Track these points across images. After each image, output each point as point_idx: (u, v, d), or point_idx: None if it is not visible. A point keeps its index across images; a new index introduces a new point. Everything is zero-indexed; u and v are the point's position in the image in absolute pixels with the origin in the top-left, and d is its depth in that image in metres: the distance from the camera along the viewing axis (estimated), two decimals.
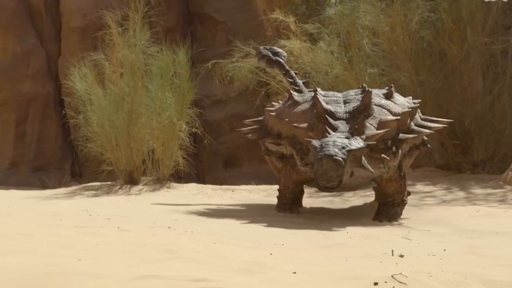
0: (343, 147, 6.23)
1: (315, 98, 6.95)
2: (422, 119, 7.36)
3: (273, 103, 8.08)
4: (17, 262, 3.86)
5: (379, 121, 6.73)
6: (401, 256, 4.69)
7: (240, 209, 7.90)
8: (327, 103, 6.90)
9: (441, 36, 10.38)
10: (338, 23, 10.62)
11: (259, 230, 6.04)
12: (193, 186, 10.18)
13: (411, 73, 10.33)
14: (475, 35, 10.31)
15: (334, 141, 6.28)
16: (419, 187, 9.25)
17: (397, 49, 10.42)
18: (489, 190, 8.79)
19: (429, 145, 7.59)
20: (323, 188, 6.35)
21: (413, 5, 10.26)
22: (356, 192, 8.64)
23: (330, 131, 6.53)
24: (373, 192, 8.15)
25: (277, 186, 7.68)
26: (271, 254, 4.51)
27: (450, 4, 10.29)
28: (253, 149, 11.91)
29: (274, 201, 7.70)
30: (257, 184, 10.47)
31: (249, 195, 9.29)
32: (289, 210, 7.35)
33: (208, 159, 13.70)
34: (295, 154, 6.95)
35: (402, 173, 6.94)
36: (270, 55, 8.51)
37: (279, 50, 8.66)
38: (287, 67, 8.35)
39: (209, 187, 10.15)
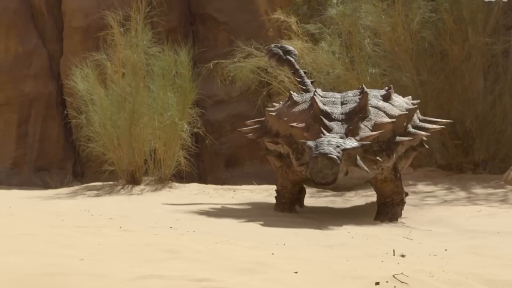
0: (338, 146, 6.32)
1: (312, 99, 7.01)
2: (420, 120, 7.37)
3: (274, 103, 8.13)
4: (19, 262, 3.87)
5: (374, 123, 6.79)
6: (403, 256, 4.70)
7: (242, 209, 7.91)
8: (324, 104, 6.95)
9: (442, 36, 10.39)
10: (339, 23, 10.62)
11: (260, 230, 6.05)
12: (194, 186, 10.19)
13: (413, 73, 10.33)
14: (476, 35, 10.32)
15: (329, 141, 6.37)
16: (420, 187, 9.25)
17: (399, 49, 10.43)
18: (490, 190, 8.80)
19: (427, 146, 7.61)
20: (318, 184, 6.43)
21: (415, 6, 10.26)
22: (358, 192, 8.66)
23: (324, 132, 6.59)
24: (375, 192, 8.15)
25: None
26: (272, 254, 4.52)
27: (451, 5, 10.29)
28: (255, 149, 11.91)
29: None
30: (258, 184, 10.48)
31: (251, 195, 9.30)
32: (287, 210, 7.39)
33: (209, 159, 13.70)
34: (291, 153, 7.03)
35: (398, 174, 6.98)
36: (281, 53, 8.53)
37: (290, 48, 8.68)
38: (297, 66, 8.37)
39: (210, 187, 10.16)
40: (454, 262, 4.52)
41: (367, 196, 8.58)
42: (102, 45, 10.87)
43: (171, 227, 5.86)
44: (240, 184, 10.67)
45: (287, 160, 7.21)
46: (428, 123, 7.42)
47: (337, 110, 6.90)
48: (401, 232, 6.06)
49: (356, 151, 6.42)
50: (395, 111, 6.98)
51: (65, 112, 12.88)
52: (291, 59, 8.42)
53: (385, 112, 6.92)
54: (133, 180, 10.20)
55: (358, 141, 6.50)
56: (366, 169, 6.51)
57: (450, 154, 10.44)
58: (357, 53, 10.58)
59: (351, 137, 6.51)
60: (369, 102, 6.91)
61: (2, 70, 13.29)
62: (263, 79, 11.28)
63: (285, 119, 7.15)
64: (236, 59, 11.27)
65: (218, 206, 8.05)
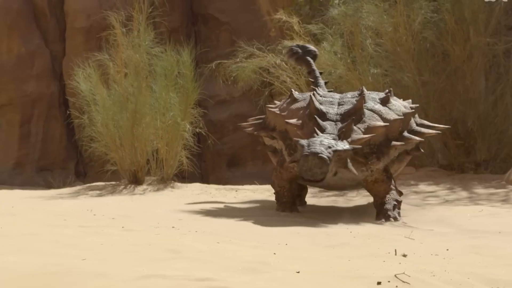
0: (330, 147, 6.43)
1: (309, 98, 7.09)
2: (417, 124, 7.39)
3: (276, 102, 8.23)
4: (22, 261, 3.88)
5: (367, 126, 6.87)
6: (404, 255, 4.70)
7: (244, 208, 7.92)
8: (321, 103, 7.03)
9: (444, 37, 10.39)
10: (341, 23, 10.63)
11: (262, 229, 6.06)
12: (197, 186, 10.20)
13: (414, 73, 10.34)
14: (478, 36, 10.31)
15: (321, 141, 6.49)
16: (422, 187, 9.26)
17: (400, 50, 10.43)
18: (492, 190, 8.80)
19: (422, 150, 7.62)
20: (306, 181, 6.55)
21: (416, 6, 10.26)
22: (359, 191, 8.66)
23: (318, 131, 6.67)
24: None
25: None
26: (274, 253, 4.53)
27: (453, 5, 10.29)
28: (257, 149, 11.93)
29: None
30: (260, 184, 10.48)
31: (253, 194, 9.31)
32: (289, 210, 7.42)
33: (212, 159, 13.71)
34: (284, 149, 7.15)
35: (389, 174, 7.02)
36: (300, 53, 8.60)
37: (311, 48, 8.76)
38: (313, 67, 8.44)
39: (213, 187, 10.17)
40: (455, 261, 4.53)
41: (369, 196, 8.57)
42: (105, 46, 10.88)
43: (173, 227, 5.87)
44: (242, 184, 10.68)
45: (280, 158, 7.33)
46: (425, 128, 7.44)
47: (332, 111, 6.99)
48: (402, 232, 6.07)
49: (347, 154, 6.55)
50: (391, 115, 7.03)
51: (68, 112, 12.88)
52: (309, 59, 8.51)
53: (380, 116, 6.99)
54: (136, 180, 10.21)
55: (349, 143, 6.58)
56: (355, 171, 6.62)
57: (452, 154, 10.44)
58: (359, 53, 10.59)
59: (344, 139, 6.60)
60: (365, 104, 6.98)
61: (5, 71, 13.31)
62: (265, 79, 11.30)
63: (283, 114, 7.30)
64: (238, 59, 11.29)
65: (220, 206, 8.06)
